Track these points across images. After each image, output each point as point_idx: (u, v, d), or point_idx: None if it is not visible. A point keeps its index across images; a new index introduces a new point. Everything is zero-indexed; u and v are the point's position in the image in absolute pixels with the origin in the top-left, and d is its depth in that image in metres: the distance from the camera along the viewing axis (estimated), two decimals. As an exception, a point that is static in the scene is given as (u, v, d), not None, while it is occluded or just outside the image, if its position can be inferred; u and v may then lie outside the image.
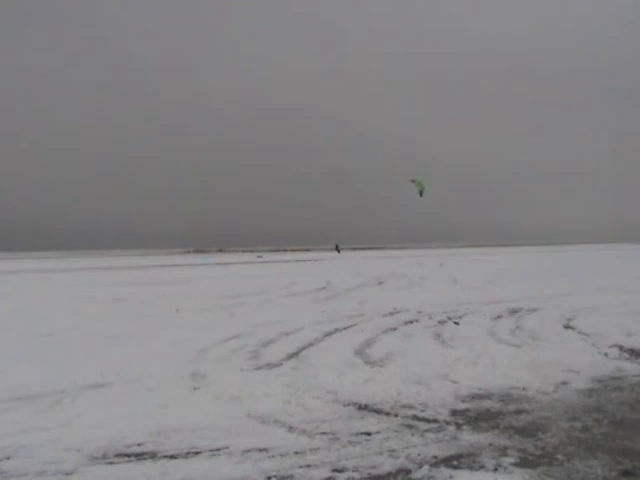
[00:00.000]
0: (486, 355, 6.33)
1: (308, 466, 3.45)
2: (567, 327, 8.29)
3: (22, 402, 4.76)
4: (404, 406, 4.61)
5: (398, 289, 14.72)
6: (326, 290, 14.63)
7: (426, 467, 3.41)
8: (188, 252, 71.82)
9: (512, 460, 3.50)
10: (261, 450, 3.70)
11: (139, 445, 3.82)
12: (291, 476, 3.33)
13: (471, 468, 3.39)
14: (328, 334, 7.91)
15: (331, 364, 5.98)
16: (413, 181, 17.37)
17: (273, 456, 3.61)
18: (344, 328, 8.39)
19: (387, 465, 3.46)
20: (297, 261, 37.52)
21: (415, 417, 4.35)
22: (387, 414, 4.42)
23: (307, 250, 72.78)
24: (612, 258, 34.39)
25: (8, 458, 3.62)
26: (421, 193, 17.73)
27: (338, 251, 57.46)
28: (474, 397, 4.88)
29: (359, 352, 6.67)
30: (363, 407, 4.60)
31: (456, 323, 8.69)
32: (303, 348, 6.95)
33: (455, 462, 3.48)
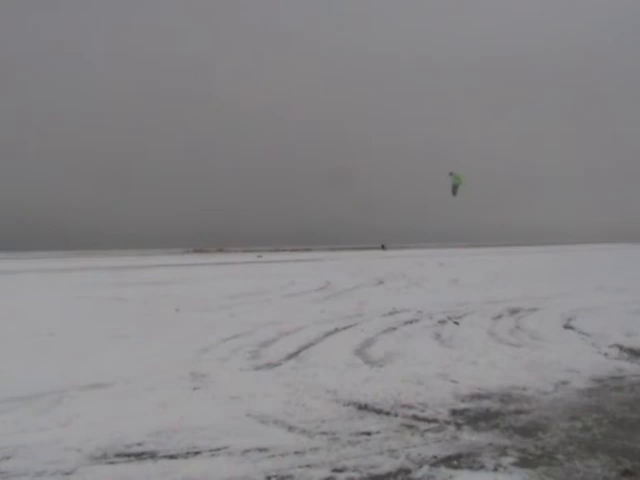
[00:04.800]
0: (486, 355, 6.33)
1: (308, 466, 3.45)
2: (567, 327, 8.29)
3: (22, 402, 4.76)
4: (404, 406, 4.61)
5: (398, 289, 14.71)
6: (326, 290, 14.63)
7: (426, 467, 3.41)
8: (188, 252, 71.80)
9: (512, 460, 3.50)
10: (261, 450, 3.70)
11: (139, 445, 3.82)
12: (291, 476, 3.33)
13: (471, 468, 3.39)
14: (328, 334, 7.91)
15: (331, 364, 5.98)
16: (451, 174, 16.22)
17: (273, 456, 3.61)
18: (344, 328, 8.39)
19: (387, 465, 3.46)
20: (297, 261, 37.51)
21: (415, 417, 4.35)
22: (387, 414, 4.42)
23: (307, 250, 72.79)
24: (612, 258, 34.40)
25: (8, 458, 3.62)
26: (454, 189, 16.28)
27: (384, 249, 59.35)
28: (474, 397, 4.88)
29: (359, 352, 6.67)
30: (363, 407, 4.60)
31: (456, 323, 8.70)
32: (303, 348, 6.95)
33: (455, 462, 3.48)
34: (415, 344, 7.08)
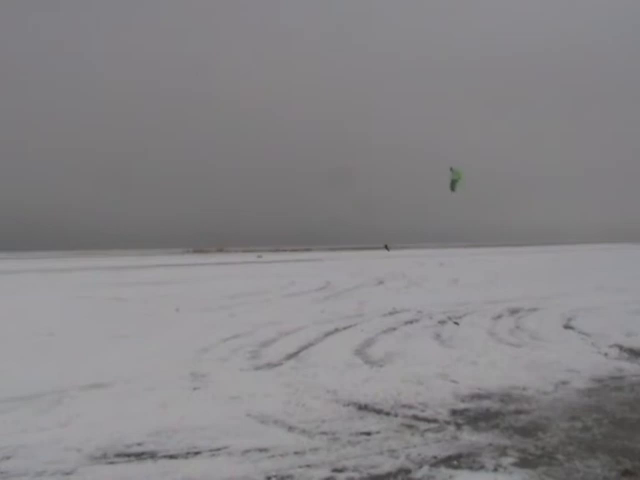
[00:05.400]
0: (486, 355, 6.33)
1: (308, 466, 3.45)
2: (567, 327, 8.29)
3: (22, 402, 4.76)
4: (404, 406, 4.61)
5: (398, 289, 14.71)
6: (326, 290, 14.63)
7: (426, 467, 3.41)
8: (188, 252, 71.80)
9: (512, 460, 3.49)
10: (261, 450, 3.70)
11: (139, 445, 3.82)
12: (291, 476, 3.33)
13: (471, 468, 3.39)
14: (328, 334, 7.91)
15: (331, 364, 5.98)
16: (452, 169, 15.71)
17: (273, 456, 3.61)
18: (344, 328, 8.39)
19: (387, 465, 3.46)
20: (297, 261, 37.51)
21: (415, 417, 4.34)
22: (387, 414, 4.42)
23: (307, 250, 72.83)
24: (611, 258, 34.41)
25: (8, 458, 3.61)
26: (453, 185, 15.49)
27: (387, 249, 58.78)
28: (474, 397, 4.87)
29: (359, 352, 6.67)
30: (363, 407, 4.60)
31: (456, 323, 8.69)
32: (303, 348, 6.95)
33: (455, 462, 3.48)
34: (415, 344, 7.08)
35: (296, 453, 3.65)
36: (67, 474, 3.39)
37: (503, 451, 3.64)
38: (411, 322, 8.87)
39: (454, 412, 4.46)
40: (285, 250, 74.44)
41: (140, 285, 17.12)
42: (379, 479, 3.30)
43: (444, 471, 3.35)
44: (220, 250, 76.59)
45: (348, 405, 4.65)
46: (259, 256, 47.96)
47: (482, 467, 3.40)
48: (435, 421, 4.25)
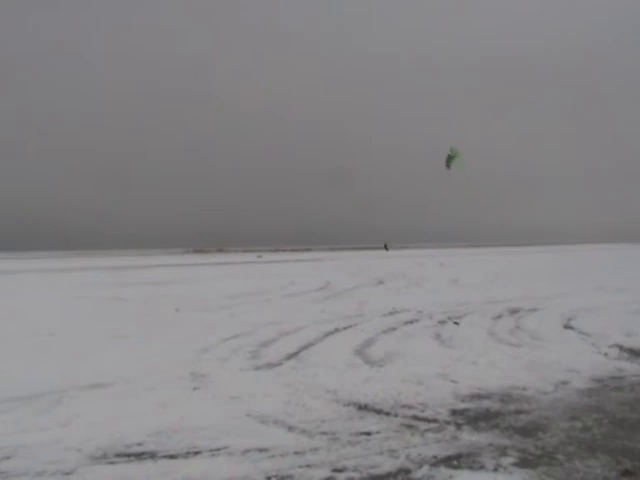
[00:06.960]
0: (486, 355, 6.33)
1: (308, 466, 3.45)
2: (567, 327, 8.29)
3: (22, 402, 4.76)
4: (404, 406, 4.61)
5: (398, 289, 14.71)
6: (326, 290, 14.63)
7: (426, 467, 3.41)
8: (188, 252, 71.84)
9: (512, 460, 3.49)
10: (261, 450, 3.70)
11: (139, 445, 3.82)
12: (291, 476, 3.33)
13: (471, 468, 3.39)
14: (328, 334, 7.91)
15: (331, 364, 5.98)
16: (451, 150, 15.78)
17: (273, 456, 3.61)
18: (344, 328, 8.39)
19: (387, 465, 3.46)
20: (297, 261, 37.52)
21: (415, 417, 4.34)
22: (387, 414, 4.42)
23: (307, 250, 72.88)
24: (612, 258, 34.41)
25: (8, 458, 3.61)
26: (448, 162, 15.45)
27: (387, 249, 58.42)
28: (474, 397, 4.87)
29: (359, 352, 6.67)
30: (363, 407, 4.60)
31: (456, 323, 8.69)
32: (303, 348, 6.95)
33: (455, 462, 3.48)
34: (415, 344, 7.08)
35: (296, 453, 3.65)
36: (67, 474, 3.39)
37: (503, 451, 3.64)
38: (411, 322, 8.87)
39: (454, 412, 4.46)
40: (285, 250, 74.52)
41: (140, 285, 17.13)
42: (379, 479, 3.30)
43: (444, 471, 3.35)
44: (220, 250, 76.67)
45: (348, 405, 4.65)
46: (259, 256, 47.98)
47: (482, 467, 3.40)
48: (435, 421, 4.25)
